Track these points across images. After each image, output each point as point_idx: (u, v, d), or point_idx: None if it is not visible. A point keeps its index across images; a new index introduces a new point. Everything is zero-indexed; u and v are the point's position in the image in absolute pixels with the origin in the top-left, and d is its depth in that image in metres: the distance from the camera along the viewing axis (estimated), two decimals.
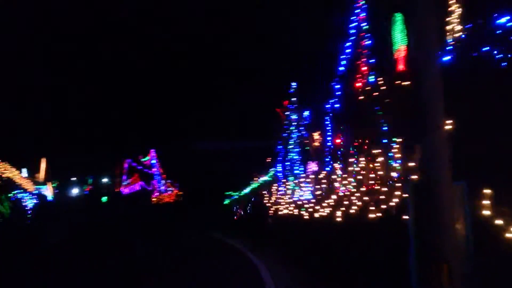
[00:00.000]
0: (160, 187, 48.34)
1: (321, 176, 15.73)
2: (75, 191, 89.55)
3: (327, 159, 16.00)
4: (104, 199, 68.35)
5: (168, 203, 43.87)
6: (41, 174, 71.09)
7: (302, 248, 14.50)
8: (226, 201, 29.04)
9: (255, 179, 25.09)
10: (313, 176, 16.73)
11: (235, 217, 25.78)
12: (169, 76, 47.15)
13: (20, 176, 30.68)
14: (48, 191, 62.37)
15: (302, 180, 17.60)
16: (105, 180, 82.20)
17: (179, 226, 28.42)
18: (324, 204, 14.36)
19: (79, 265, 13.55)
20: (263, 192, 21.92)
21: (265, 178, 23.60)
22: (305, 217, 15.80)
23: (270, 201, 21.08)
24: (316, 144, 18.00)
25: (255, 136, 32.16)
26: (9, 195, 20.97)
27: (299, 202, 16.94)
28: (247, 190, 26.01)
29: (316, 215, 14.84)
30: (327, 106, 15.84)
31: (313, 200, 15.61)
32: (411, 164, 9.53)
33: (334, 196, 13.56)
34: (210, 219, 26.46)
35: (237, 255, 15.77)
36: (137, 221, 29.64)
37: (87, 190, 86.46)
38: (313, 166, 17.73)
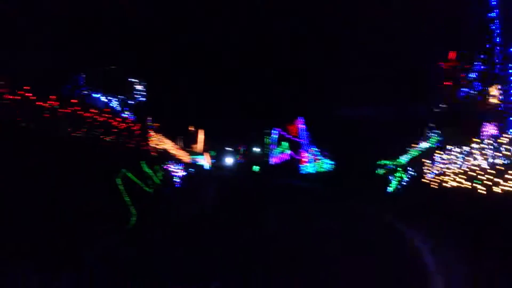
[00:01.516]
0: (309, 156, 47.26)
1: (503, 140, 12.56)
2: (229, 160, 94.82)
3: None
4: (256, 168, 70.40)
5: (315, 173, 42.61)
6: (199, 145, 76.23)
7: (478, 230, 11.87)
8: (380, 171, 26.36)
9: (413, 146, 22.06)
10: (490, 141, 13.55)
11: (388, 189, 23.07)
12: (317, 41, 44.94)
13: (176, 146, 32.18)
14: (204, 161, 66.38)
15: (475, 146, 14.45)
16: (257, 149, 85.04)
17: (327, 198, 26.83)
18: (507, 176, 11.41)
19: (212, 238, 12.70)
20: (424, 160, 18.97)
21: (426, 144, 20.54)
22: (479, 190, 12.93)
23: (433, 171, 18.16)
24: (494, 100, 14.59)
25: (413, 98, 28.37)
26: (163, 165, 21.57)
27: (472, 173, 13.95)
28: (403, 158, 23.13)
29: (497, 189, 11.94)
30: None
31: (492, 171, 12.61)
32: None
33: None
34: (360, 191, 24.10)
35: (395, 235, 13.44)
36: (282, 192, 28.82)
37: (239, 159, 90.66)
38: (490, 129, 14.44)
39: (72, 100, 14.69)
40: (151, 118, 35.75)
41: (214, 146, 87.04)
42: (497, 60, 14.10)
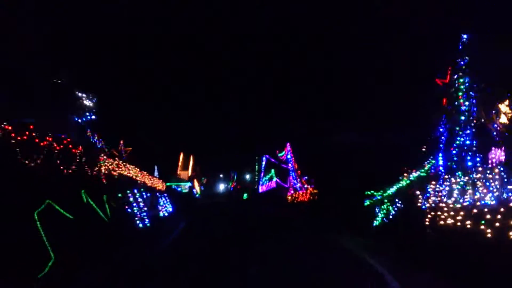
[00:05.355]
0: (296, 185, 44.27)
1: None
2: (220, 187, 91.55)
3: None
4: (245, 196, 67.37)
5: (302, 202, 39.60)
6: (187, 171, 73.25)
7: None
8: (366, 202, 23.57)
9: (404, 175, 19.29)
10: (497, 171, 10.80)
11: (375, 223, 20.34)
12: (304, 68, 43.38)
13: (145, 173, 29.21)
14: (192, 188, 63.16)
15: (479, 176, 11.66)
16: (247, 176, 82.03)
17: (312, 230, 24.09)
18: None
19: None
20: (416, 192, 16.16)
21: (418, 173, 17.77)
22: (487, 234, 10.14)
23: (427, 205, 15.32)
24: (503, 120, 11.89)
25: (404, 122, 26.22)
26: (119, 195, 18.64)
27: (475, 210, 11.14)
28: (392, 189, 20.29)
29: None
30: None
31: (501, 209, 9.87)
32: None
33: None
34: (344, 223, 22.03)
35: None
36: (264, 222, 26.36)
37: (231, 186, 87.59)
38: (498, 154, 11.68)
39: None
40: (122, 142, 33.03)
41: (204, 173, 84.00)
42: None
